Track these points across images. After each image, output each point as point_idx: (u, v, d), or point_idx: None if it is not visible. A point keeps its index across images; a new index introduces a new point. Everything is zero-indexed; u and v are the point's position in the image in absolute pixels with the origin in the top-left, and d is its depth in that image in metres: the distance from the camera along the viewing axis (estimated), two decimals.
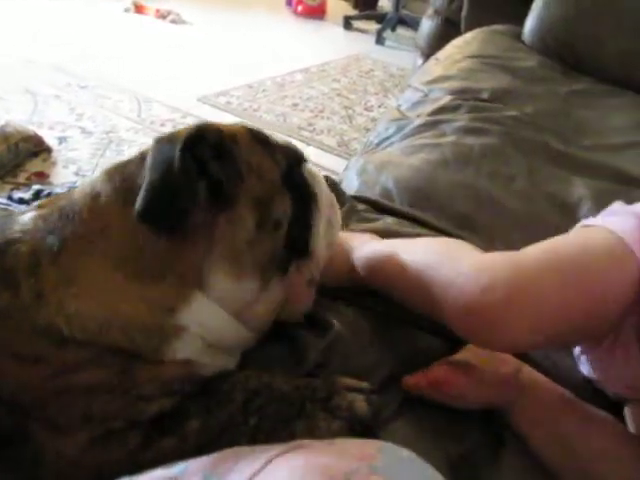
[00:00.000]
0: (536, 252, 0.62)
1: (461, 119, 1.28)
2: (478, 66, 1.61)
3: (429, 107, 1.36)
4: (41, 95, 2.47)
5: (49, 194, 1.73)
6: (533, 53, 1.79)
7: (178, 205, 0.57)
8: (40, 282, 0.58)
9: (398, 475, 0.49)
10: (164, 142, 0.59)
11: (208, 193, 0.59)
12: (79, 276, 0.58)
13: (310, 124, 2.59)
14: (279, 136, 0.71)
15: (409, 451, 0.53)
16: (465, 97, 1.39)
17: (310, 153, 2.34)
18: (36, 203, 0.68)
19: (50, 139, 2.08)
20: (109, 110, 2.43)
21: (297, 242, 0.67)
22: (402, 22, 4.25)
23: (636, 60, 1.66)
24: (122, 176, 0.63)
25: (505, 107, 1.37)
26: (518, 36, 1.91)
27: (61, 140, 2.13)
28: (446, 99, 1.38)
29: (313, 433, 0.62)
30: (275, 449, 0.52)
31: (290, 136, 2.43)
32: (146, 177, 0.57)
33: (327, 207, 0.72)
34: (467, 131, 1.23)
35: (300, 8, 4.46)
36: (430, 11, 2.79)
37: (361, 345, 0.73)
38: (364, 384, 0.67)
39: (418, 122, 1.29)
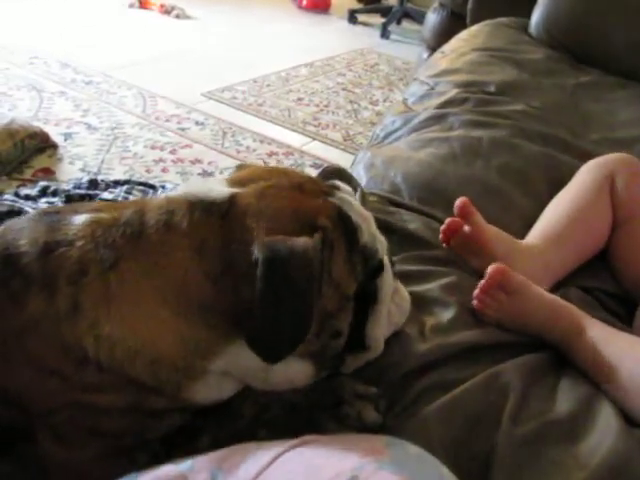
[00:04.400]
0: None
1: (468, 112, 1.27)
2: (484, 59, 1.60)
3: (435, 100, 1.35)
4: (46, 91, 2.47)
5: (55, 190, 1.73)
6: (540, 46, 1.78)
7: (294, 339, 0.55)
8: (80, 293, 0.55)
9: (405, 471, 0.49)
10: (285, 258, 0.53)
11: None
12: (124, 298, 0.56)
13: (315, 118, 2.58)
14: (364, 213, 0.65)
15: (417, 447, 0.52)
16: (472, 90, 1.38)
17: (315, 147, 2.33)
18: (93, 204, 0.64)
19: (56, 135, 2.08)
20: (114, 106, 2.42)
21: (354, 340, 0.64)
22: (407, 15, 4.22)
23: None
24: (205, 216, 0.58)
25: (512, 100, 1.36)
26: (525, 28, 1.89)
27: (67, 136, 2.13)
28: (453, 92, 1.37)
29: None
30: (282, 445, 0.52)
31: (295, 131, 2.43)
32: (261, 301, 0.52)
33: (388, 298, 0.67)
34: (475, 124, 1.22)
35: (305, 2, 4.44)
36: (436, 4, 2.78)
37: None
38: (372, 390, 0.66)
39: (425, 115, 1.28)
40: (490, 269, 0.78)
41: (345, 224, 0.61)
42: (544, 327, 0.77)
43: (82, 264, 0.56)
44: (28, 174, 1.86)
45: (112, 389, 0.56)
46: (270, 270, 0.53)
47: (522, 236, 0.93)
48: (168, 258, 0.56)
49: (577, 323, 0.75)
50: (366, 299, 0.63)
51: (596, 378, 0.72)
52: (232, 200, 0.58)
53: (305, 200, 0.60)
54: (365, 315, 0.64)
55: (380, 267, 0.64)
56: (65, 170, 1.92)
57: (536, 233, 0.94)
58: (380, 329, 0.66)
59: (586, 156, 1.16)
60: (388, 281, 0.67)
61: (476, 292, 0.79)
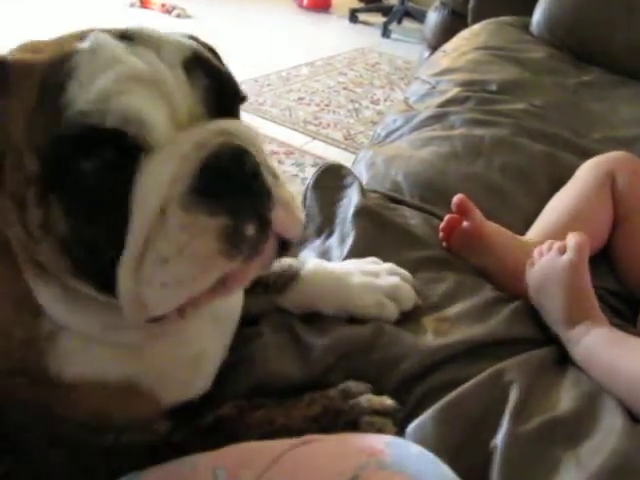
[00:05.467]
0: None
1: (470, 111, 1.27)
2: (486, 58, 1.59)
3: (437, 99, 1.35)
4: None
5: None
6: (541, 44, 1.77)
7: None
8: None
9: (407, 470, 0.49)
10: None
11: None
12: None
13: (316, 118, 2.58)
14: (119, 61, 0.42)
15: (418, 446, 0.52)
16: (473, 89, 1.38)
17: (316, 147, 2.33)
18: None
19: None
20: None
21: (89, 268, 0.44)
22: (408, 14, 4.22)
23: None
24: None
25: (514, 99, 1.36)
26: (526, 27, 1.89)
27: None
28: (454, 91, 1.37)
29: None
30: (285, 444, 0.52)
31: (296, 130, 2.43)
32: None
33: (154, 236, 0.40)
34: (476, 123, 1.22)
35: (306, 1, 4.44)
36: (437, 3, 2.77)
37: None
38: (390, 404, 0.62)
39: (426, 114, 1.28)
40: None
41: (52, 67, 0.41)
42: (566, 305, 0.76)
43: None
44: None
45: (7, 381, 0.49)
46: None
47: (522, 234, 0.93)
48: None
49: (592, 319, 0.75)
50: (97, 203, 0.41)
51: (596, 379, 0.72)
52: None
53: (50, 43, 0.46)
54: (102, 236, 0.41)
55: (98, 135, 0.39)
56: None
57: (536, 230, 0.94)
58: (125, 270, 0.41)
59: (588, 155, 1.15)
60: (153, 189, 0.40)
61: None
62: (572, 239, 0.78)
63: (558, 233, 0.91)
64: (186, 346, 0.54)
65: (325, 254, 0.83)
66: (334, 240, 0.85)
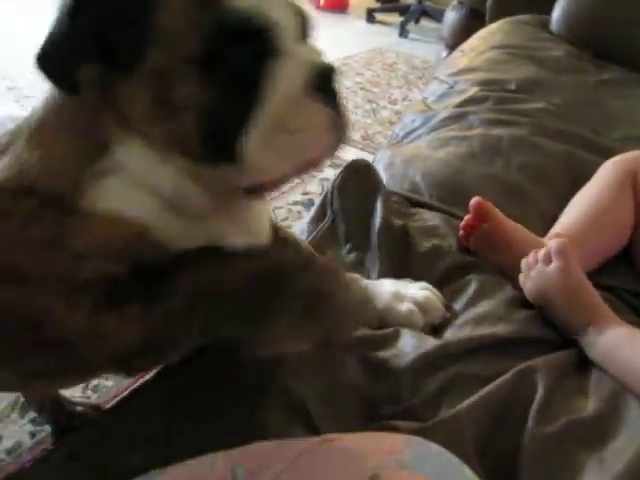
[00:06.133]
0: None
1: (488, 111, 1.26)
2: (504, 57, 1.58)
3: (455, 99, 1.35)
4: None
5: None
6: (560, 42, 1.76)
7: (62, 61, 0.49)
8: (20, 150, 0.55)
9: (426, 469, 0.49)
10: None
11: (99, 52, 0.50)
12: (39, 141, 0.55)
13: None
14: None
15: (437, 445, 0.52)
16: (492, 88, 1.37)
17: None
18: None
19: None
20: None
21: (214, 139, 0.52)
22: (425, 14, 4.20)
23: None
24: None
25: (533, 98, 1.35)
26: (545, 25, 1.88)
27: None
28: (472, 91, 1.36)
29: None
30: (304, 443, 0.53)
31: None
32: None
33: (284, 110, 0.52)
34: (495, 123, 1.21)
35: (323, 1, 4.44)
36: (454, 2, 2.76)
37: None
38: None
39: (444, 114, 1.27)
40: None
41: None
42: (570, 311, 0.77)
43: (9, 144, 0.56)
44: None
45: (38, 212, 0.53)
46: None
47: (542, 235, 0.93)
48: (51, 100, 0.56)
49: (601, 319, 0.75)
50: (239, 84, 0.51)
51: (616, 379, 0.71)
52: None
53: None
54: (236, 112, 0.51)
55: (250, 37, 0.50)
56: None
57: (557, 231, 0.93)
58: (258, 140, 0.51)
59: (608, 154, 1.14)
60: (288, 78, 0.52)
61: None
62: (553, 245, 0.78)
63: (579, 234, 0.90)
64: (217, 232, 0.60)
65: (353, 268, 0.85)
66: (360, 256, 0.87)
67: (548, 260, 0.78)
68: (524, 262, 0.82)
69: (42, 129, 0.56)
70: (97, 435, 0.62)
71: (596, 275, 0.89)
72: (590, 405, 0.66)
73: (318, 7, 4.48)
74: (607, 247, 0.94)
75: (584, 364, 0.74)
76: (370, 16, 4.30)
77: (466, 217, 0.89)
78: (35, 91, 2.46)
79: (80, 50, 0.49)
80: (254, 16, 0.50)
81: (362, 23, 4.29)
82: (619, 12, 1.71)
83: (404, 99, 2.89)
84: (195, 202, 0.57)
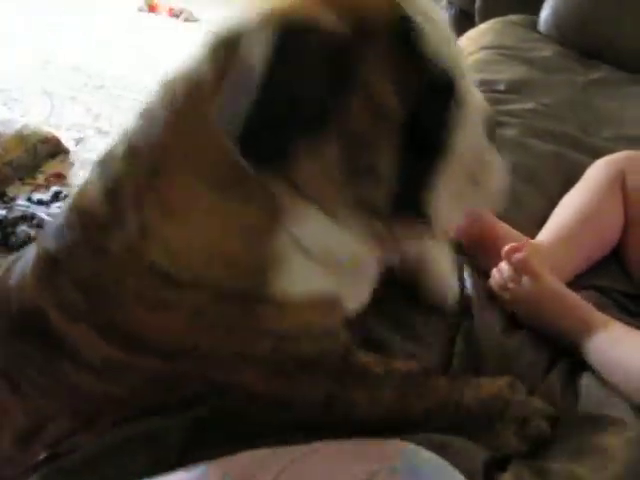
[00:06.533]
0: None
1: None
2: (494, 57, 1.59)
3: None
4: (58, 96, 2.49)
5: (67, 195, 1.75)
6: (549, 42, 1.76)
7: (285, 137, 0.45)
8: (143, 212, 0.52)
9: (419, 476, 0.49)
10: (293, 39, 0.43)
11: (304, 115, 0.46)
12: (176, 199, 0.51)
13: None
14: (441, 22, 0.50)
15: (430, 453, 0.52)
16: (482, 89, 1.34)
17: None
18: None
19: (67, 140, 2.10)
20: (125, 110, 2.44)
21: (407, 200, 0.51)
22: None
23: None
24: (228, 59, 0.48)
25: (522, 98, 1.35)
26: (534, 26, 1.88)
27: (78, 141, 2.14)
28: None
29: (501, 450, 0.60)
30: (296, 451, 0.52)
31: None
32: (252, 90, 0.43)
33: (471, 162, 0.52)
34: None
35: None
36: (444, 2, 2.76)
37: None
38: (553, 411, 0.64)
39: None
40: (510, 251, 0.79)
41: (405, 27, 0.47)
42: (557, 320, 0.77)
43: (134, 185, 0.53)
44: (41, 179, 1.88)
45: (217, 302, 0.53)
46: (268, 49, 0.43)
47: (533, 236, 0.93)
48: (196, 127, 0.50)
49: (587, 322, 0.75)
50: (429, 143, 0.49)
51: (610, 379, 0.71)
52: (262, 22, 0.47)
53: None
54: (426, 168, 0.50)
55: (449, 90, 0.49)
56: (77, 175, 1.94)
57: (546, 233, 0.94)
58: (446, 195, 0.51)
59: (598, 154, 1.14)
60: (473, 128, 0.51)
61: (494, 272, 0.81)
62: (516, 264, 0.78)
63: (567, 236, 0.90)
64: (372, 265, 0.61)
65: None
66: None
67: (517, 280, 0.78)
68: (494, 284, 0.82)
69: (183, 202, 0.51)
70: None
71: (586, 275, 0.90)
72: None
73: None
74: (597, 248, 0.94)
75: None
76: None
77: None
78: (24, 94, 2.45)
79: (289, 125, 0.45)
80: (451, 72, 0.49)
81: None
82: (607, 12, 1.71)
83: None
84: (369, 262, 0.58)
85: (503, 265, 0.81)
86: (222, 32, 0.52)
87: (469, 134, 0.51)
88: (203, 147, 0.50)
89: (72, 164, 2.00)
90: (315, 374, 0.56)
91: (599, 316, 0.76)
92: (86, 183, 0.60)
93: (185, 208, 0.52)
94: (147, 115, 0.56)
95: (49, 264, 0.60)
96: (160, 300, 0.54)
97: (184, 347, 0.55)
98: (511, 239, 0.88)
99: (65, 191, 1.72)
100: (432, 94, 0.48)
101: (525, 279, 0.78)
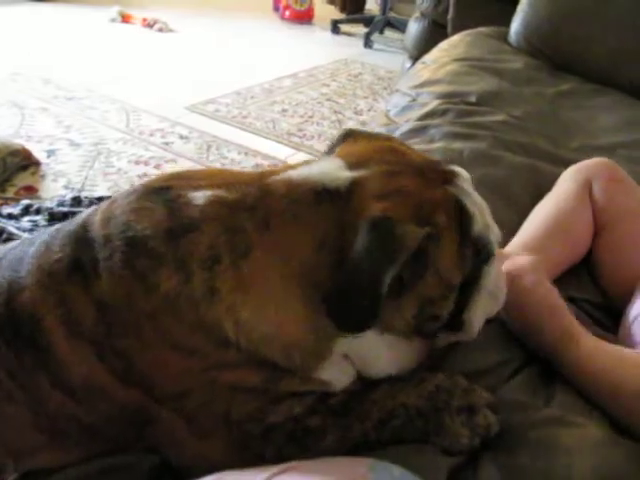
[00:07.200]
0: None
1: (449, 124, 1.28)
2: (465, 69, 1.61)
3: (417, 112, 1.36)
4: (28, 108, 2.45)
5: (38, 209, 1.72)
6: (520, 54, 1.79)
7: (364, 315, 0.56)
8: (216, 279, 0.57)
9: None
10: (385, 239, 0.55)
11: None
12: (256, 286, 0.58)
13: (300, 130, 2.59)
14: (479, 202, 0.66)
15: (401, 469, 0.52)
16: (453, 101, 1.39)
17: (301, 158, 2.33)
18: (202, 174, 0.66)
19: (38, 152, 2.07)
20: (97, 121, 2.41)
21: (452, 321, 0.65)
22: (390, 25, 4.24)
23: (622, 59, 1.67)
24: (329, 207, 0.59)
25: (493, 110, 1.37)
26: (504, 38, 1.91)
27: (49, 153, 2.11)
28: (434, 103, 1.38)
29: (453, 448, 0.62)
30: (267, 471, 0.52)
31: (280, 142, 2.43)
32: (347, 268, 0.55)
33: (492, 287, 0.68)
34: (456, 136, 1.22)
35: (288, 13, 4.45)
36: (417, 13, 2.80)
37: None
38: (493, 398, 0.66)
39: (406, 127, 1.28)
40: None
41: (460, 215, 0.62)
42: (540, 328, 0.76)
43: (214, 250, 0.58)
44: (11, 192, 1.85)
45: (248, 366, 0.59)
46: (365, 238, 0.55)
47: (503, 246, 0.93)
48: (295, 250, 0.58)
49: (570, 333, 0.75)
50: (470, 284, 0.65)
51: (584, 391, 0.72)
52: (354, 187, 0.60)
53: (425, 190, 0.61)
54: (466, 298, 0.65)
55: (490, 256, 0.66)
56: (48, 187, 1.91)
57: (517, 242, 0.94)
58: (477, 314, 0.67)
59: (567, 164, 1.16)
60: (495, 270, 0.68)
61: None
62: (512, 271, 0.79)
63: (537, 245, 0.91)
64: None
65: None
66: None
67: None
68: None
69: (283, 293, 0.59)
70: None
71: (562, 286, 0.90)
72: None
73: (283, 19, 4.49)
74: (567, 257, 0.95)
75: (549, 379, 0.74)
76: (335, 27, 4.33)
77: None
78: None
79: (378, 303, 0.55)
80: (491, 246, 0.65)
81: (327, 34, 4.32)
82: (575, 25, 1.75)
83: (370, 109, 2.91)
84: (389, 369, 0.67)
85: None
86: (322, 179, 0.61)
87: (493, 273, 0.67)
88: (295, 259, 0.58)
89: (44, 176, 1.97)
90: (272, 439, 0.62)
91: (584, 329, 0.76)
92: (138, 207, 0.61)
93: (264, 296, 0.58)
94: (244, 200, 0.61)
95: (66, 272, 0.60)
96: (195, 350, 0.58)
97: (179, 391, 0.59)
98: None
99: (36, 204, 1.69)
100: (480, 263, 0.64)
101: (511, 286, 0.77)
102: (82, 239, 0.61)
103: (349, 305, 0.55)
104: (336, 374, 0.63)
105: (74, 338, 0.58)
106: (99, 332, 0.58)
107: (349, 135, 0.71)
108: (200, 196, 0.60)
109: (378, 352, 0.64)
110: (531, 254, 0.89)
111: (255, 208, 0.59)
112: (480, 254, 0.63)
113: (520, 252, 0.91)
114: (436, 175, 0.64)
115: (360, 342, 0.61)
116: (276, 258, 0.58)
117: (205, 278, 0.57)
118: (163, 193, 0.62)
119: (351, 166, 0.62)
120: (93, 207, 0.68)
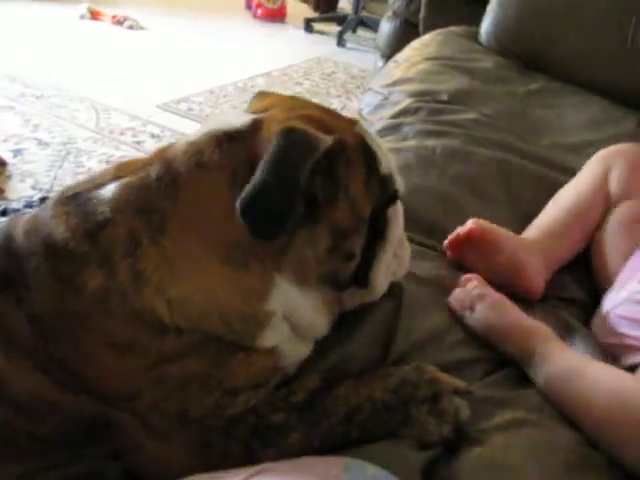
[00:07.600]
0: None
1: (422, 122, 1.28)
2: (437, 68, 1.61)
3: (390, 110, 1.36)
4: None
5: (5, 210, 1.68)
6: (490, 54, 1.81)
7: (281, 217, 0.54)
8: (139, 262, 0.56)
9: None
10: (297, 140, 0.55)
11: (302, 206, 0.57)
12: (180, 258, 0.57)
13: None
14: (384, 147, 0.68)
15: (375, 467, 0.52)
16: (425, 99, 1.39)
17: None
18: (108, 170, 0.64)
19: (4, 152, 2.02)
20: (66, 120, 2.37)
21: (358, 273, 0.66)
22: (362, 24, 4.26)
23: (589, 59, 1.70)
24: (233, 149, 0.59)
25: (464, 108, 1.38)
26: (475, 37, 1.92)
27: (16, 153, 2.07)
28: (406, 102, 1.38)
29: (424, 439, 0.62)
30: (240, 474, 0.51)
31: None
32: (262, 170, 0.54)
33: (396, 244, 0.70)
34: (428, 134, 1.23)
35: (260, 11, 4.43)
36: (389, 13, 2.81)
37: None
38: (465, 386, 0.66)
39: (379, 126, 1.29)
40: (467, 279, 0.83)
41: (366, 150, 0.64)
42: (503, 344, 0.77)
43: (132, 235, 0.57)
44: None
45: (193, 353, 0.58)
46: (278, 143, 0.54)
47: None
48: (208, 198, 0.58)
49: (539, 352, 0.73)
50: (376, 233, 0.66)
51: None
52: (256, 125, 0.60)
53: (331, 120, 0.64)
54: (372, 250, 0.66)
55: (395, 196, 0.68)
56: (15, 188, 1.87)
57: (535, 227, 0.97)
58: (382, 270, 0.68)
59: (539, 160, 1.18)
60: (399, 223, 0.70)
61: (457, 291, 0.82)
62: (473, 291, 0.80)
63: (556, 230, 0.93)
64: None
65: None
66: None
67: (475, 306, 0.79)
68: (455, 297, 0.82)
69: (187, 261, 0.57)
70: None
71: (550, 285, 0.91)
72: None
73: (256, 17, 4.47)
74: (582, 242, 0.97)
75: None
76: (308, 26, 4.33)
77: (457, 232, 0.91)
78: None
79: (295, 203, 0.54)
80: (397, 183, 0.68)
81: (300, 33, 4.31)
82: (544, 25, 1.77)
83: (343, 108, 2.92)
84: (320, 325, 0.68)
85: (468, 286, 0.82)
86: (221, 127, 0.61)
87: (397, 226, 0.70)
88: (213, 219, 0.57)
89: (10, 177, 1.93)
90: (235, 434, 0.61)
91: (556, 340, 0.75)
92: (54, 215, 0.60)
93: (189, 266, 0.57)
94: (148, 175, 0.60)
95: None
96: (133, 344, 0.57)
97: (128, 393, 0.58)
98: (506, 238, 0.91)
99: (2, 205, 1.65)
100: (386, 201, 0.66)
101: (480, 306, 0.78)
102: (7, 253, 0.60)
103: (265, 206, 0.54)
104: (278, 338, 0.63)
105: (13, 355, 0.57)
106: (37, 345, 0.57)
107: (259, 95, 0.73)
108: (107, 191, 0.60)
109: (304, 306, 0.64)
110: (549, 238, 0.93)
111: (161, 178, 0.59)
112: (385, 191, 0.65)
113: (539, 236, 0.94)
114: (341, 118, 0.68)
115: (286, 299, 0.61)
116: (192, 220, 0.57)
117: (128, 264, 0.56)
118: (74, 200, 0.61)
119: (254, 112, 0.64)
120: (10, 217, 0.67)
